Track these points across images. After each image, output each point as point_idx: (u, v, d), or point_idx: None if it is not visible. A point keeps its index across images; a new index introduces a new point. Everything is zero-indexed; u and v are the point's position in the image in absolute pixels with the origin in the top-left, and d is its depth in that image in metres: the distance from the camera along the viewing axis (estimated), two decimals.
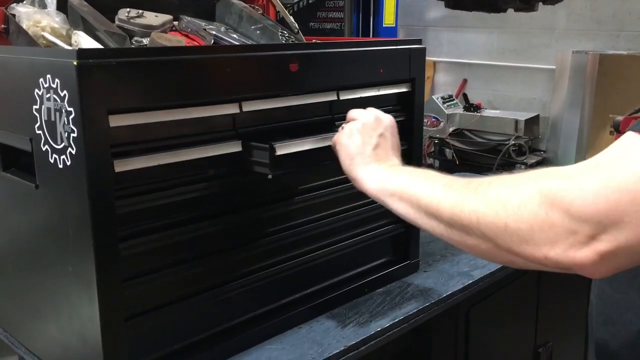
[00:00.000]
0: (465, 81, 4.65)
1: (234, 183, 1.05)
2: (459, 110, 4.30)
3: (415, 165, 1.37)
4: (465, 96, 4.52)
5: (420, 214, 0.85)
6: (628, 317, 0.86)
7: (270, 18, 1.48)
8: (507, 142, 4.05)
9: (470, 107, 4.30)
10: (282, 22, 1.46)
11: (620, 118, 3.08)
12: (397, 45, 1.26)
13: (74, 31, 1.14)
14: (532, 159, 4.13)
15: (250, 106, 1.03)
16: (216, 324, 1.06)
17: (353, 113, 1.07)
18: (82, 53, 0.83)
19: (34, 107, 0.91)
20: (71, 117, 0.84)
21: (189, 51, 1.01)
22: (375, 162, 0.99)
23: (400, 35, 4.77)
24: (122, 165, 0.89)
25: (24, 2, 1.17)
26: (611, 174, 0.64)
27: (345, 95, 1.19)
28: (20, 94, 0.94)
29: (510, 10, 3.51)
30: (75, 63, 0.81)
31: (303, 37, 1.44)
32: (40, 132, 0.92)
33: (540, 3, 3.16)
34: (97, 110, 0.84)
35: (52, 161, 0.90)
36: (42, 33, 1.11)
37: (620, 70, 3.74)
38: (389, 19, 4.40)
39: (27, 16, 1.10)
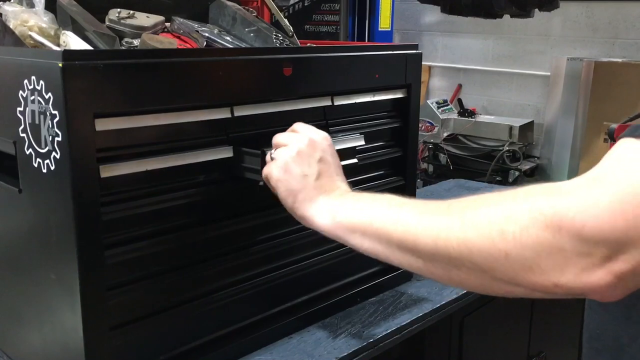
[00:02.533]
0: (460, 86, 4.65)
1: (225, 190, 1.03)
2: (454, 115, 4.30)
3: (410, 173, 1.36)
4: (459, 101, 4.52)
5: (392, 250, 0.75)
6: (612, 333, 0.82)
7: (265, 20, 1.46)
8: (501, 148, 4.06)
9: (464, 112, 4.30)
10: (276, 24, 1.43)
11: (614, 125, 3.08)
12: (393, 51, 1.24)
13: (63, 31, 1.11)
14: (526, 165, 4.14)
15: (242, 111, 1.01)
16: (204, 333, 1.03)
17: (280, 138, 0.94)
18: (68, 54, 0.80)
19: (18, 109, 0.88)
20: (56, 120, 0.81)
21: (180, 53, 0.98)
22: (323, 194, 0.88)
23: (396, 40, 4.76)
24: (108, 171, 0.87)
25: (12, 0, 1.15)
26: (622, 187, 0.58)
27: (340, 101, 1.16)
28: (5, 95, 0.91)
29: (506, 17, 3.51)
30: (60, 64, 0.78)
31: (297, 41, 1.42)
32: (24, 135, 0.89)
33: (536, 9, 3.15)
34: (82, 113, 0.81)
35: (36, 165, 0.87)
36: (30, 33, 1.08)
37: (615, 77, 3.75)
38: (384, 23, 4.39)
39: (14, 15, 1.07)
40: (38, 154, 0.87)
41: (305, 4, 5.10)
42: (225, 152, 1.00)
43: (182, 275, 0.98)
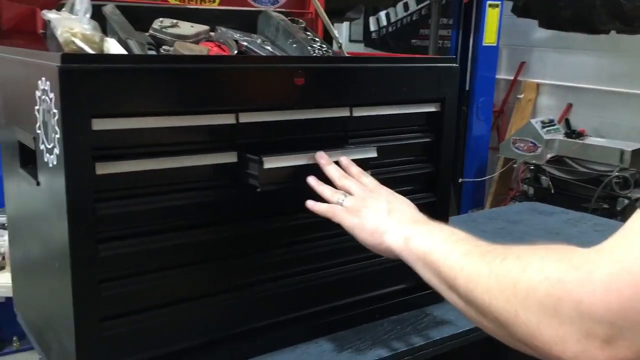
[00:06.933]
0: (570, 105, 4.39)
1: (225, 194, 1.04)
2: (559, 136, 4.06)
3: (443, 190, 1.30)
4: (567, 121, 4.26)
5: (441, 285, 0.77)
6: None
7: (312, 31, 1.47)
8: (610, 173, 3.77)
9: (572, 133, 4.05)
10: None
11: None
12: (423, 63, 1.20)
13: (106, 38, 1.19)
14: (638, 194, 3.81)
15: (247, 117, 1.02)
16: (200, 334, 1.05)
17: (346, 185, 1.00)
18: (67, 57, 0.86)
19: (35, 107, 0.96)
20: (56, 118, 0.87)
21: (183, 60, 1.01)
22: (408, 223, 0.90)
23: (503, 56, 4.60)
24: (105, 168, 0.91)
25: (64, 9, 1.24)
26: (622, 262, 0.53)
27: (360, 112, 1.14)
28: (27, 94, 0.99)
29: (624, 34, 3.27)
30: (57, 66, 0.84)
31: (345, 52, 1.42)
32: (39, 131, 0.96)
33: None
34: (78, 112, 0.86)
35: (46, 160, 0.94)
36: (73, 39, 1.17)
37: None
38: (489, 38, 4.26)
39: (58, 22, 1.16)
40: (47, 150, 0.93)
41: (414, 19, 5.07)
42: (228, 157, 1.02)
43: (178, 275, 1.01)
